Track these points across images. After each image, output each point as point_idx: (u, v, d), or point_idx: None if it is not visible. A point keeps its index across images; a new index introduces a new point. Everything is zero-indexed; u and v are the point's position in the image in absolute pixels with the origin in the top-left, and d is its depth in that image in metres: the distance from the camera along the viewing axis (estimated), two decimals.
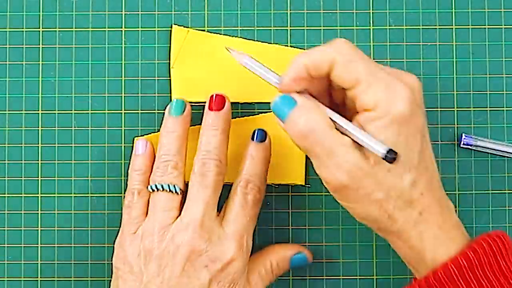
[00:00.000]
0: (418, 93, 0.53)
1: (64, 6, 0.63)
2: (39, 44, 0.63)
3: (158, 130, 0.61)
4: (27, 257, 0.62)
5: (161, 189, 0.57)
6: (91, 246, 0.62)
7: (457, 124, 0.62)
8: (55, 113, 0.62)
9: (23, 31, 0.63)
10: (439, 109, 0.62)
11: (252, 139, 0.59)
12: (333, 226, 0.62)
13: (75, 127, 0.62)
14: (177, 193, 0.57)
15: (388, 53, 0.62)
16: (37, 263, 0.62)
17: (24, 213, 0.62)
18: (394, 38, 0.63)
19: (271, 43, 0.63)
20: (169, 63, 0.62)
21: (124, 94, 0.62)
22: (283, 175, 0.62)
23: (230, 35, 0.62)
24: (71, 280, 0.62)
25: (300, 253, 0.60)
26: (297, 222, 0.62)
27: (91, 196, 0.62)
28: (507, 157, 0.62)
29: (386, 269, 0.62)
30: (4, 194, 0.62)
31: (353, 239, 0.62)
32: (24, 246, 0.62)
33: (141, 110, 0.62)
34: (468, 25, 0.63)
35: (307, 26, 0.63)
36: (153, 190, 0.58)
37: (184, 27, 0.62)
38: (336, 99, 0.56)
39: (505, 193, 0.62)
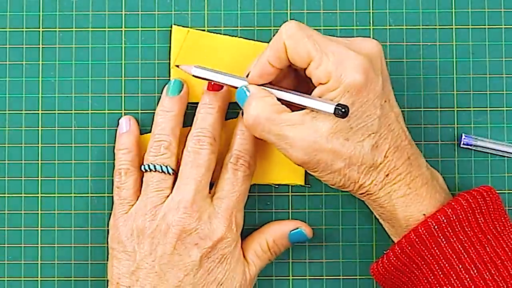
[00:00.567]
0: (377, 58, 0.55)
1: (64, 6, 0.63)
2: (39, 44, 0.63)
3: None
4: (27, 257, 0.62)
5: (154, 169, 0.58)
6: (91, 246, 0.62)
7: (457, 124, 0.62)
8: (55, 113, 0.62)
9: (23, 31, 0.63)
10: (439, 109, 0.62)
11: (242, 115, 0.59)
12: (333, 226, 0.62)
13: (75, 127, 0.62)
14: (170, 174, 0.58)
15: (388, 53, 0.62)
16: (37, 263, 0.62)
17: (24, 213, 0.62)
18: (394, 38, 0.63)
19: None
20: (169, 63, 0.62)
21: (124, 94, 0.62)
22: (283, 175, 0.62)
23: (230, 35, 0.62)
24: (71, 280, 0.62)
25: (298, 228, 0.61)
26: None
27: (91, 196, 0.62)
28: (507, 157, 0.62)
29: None
30: (4, 194, 0.62)
31: (353, 239, 0.62)
32: (24, 246, 0.62)
33: (141, 110, 0.62)
34: (468, 25, 0.63)
35: None
36: (146, 170, 0.58)
37: (184, 27, 0.62)
38: (306, 77, 0.57)
39: (505, 193, 0.62)
